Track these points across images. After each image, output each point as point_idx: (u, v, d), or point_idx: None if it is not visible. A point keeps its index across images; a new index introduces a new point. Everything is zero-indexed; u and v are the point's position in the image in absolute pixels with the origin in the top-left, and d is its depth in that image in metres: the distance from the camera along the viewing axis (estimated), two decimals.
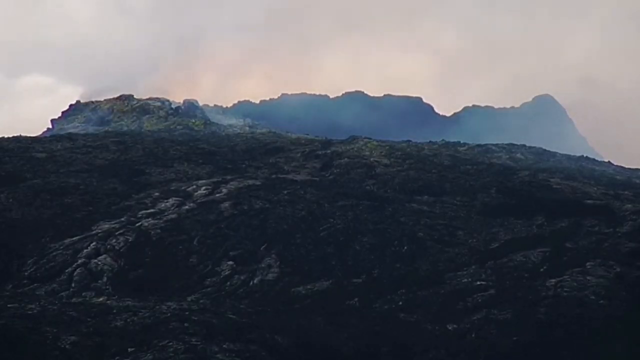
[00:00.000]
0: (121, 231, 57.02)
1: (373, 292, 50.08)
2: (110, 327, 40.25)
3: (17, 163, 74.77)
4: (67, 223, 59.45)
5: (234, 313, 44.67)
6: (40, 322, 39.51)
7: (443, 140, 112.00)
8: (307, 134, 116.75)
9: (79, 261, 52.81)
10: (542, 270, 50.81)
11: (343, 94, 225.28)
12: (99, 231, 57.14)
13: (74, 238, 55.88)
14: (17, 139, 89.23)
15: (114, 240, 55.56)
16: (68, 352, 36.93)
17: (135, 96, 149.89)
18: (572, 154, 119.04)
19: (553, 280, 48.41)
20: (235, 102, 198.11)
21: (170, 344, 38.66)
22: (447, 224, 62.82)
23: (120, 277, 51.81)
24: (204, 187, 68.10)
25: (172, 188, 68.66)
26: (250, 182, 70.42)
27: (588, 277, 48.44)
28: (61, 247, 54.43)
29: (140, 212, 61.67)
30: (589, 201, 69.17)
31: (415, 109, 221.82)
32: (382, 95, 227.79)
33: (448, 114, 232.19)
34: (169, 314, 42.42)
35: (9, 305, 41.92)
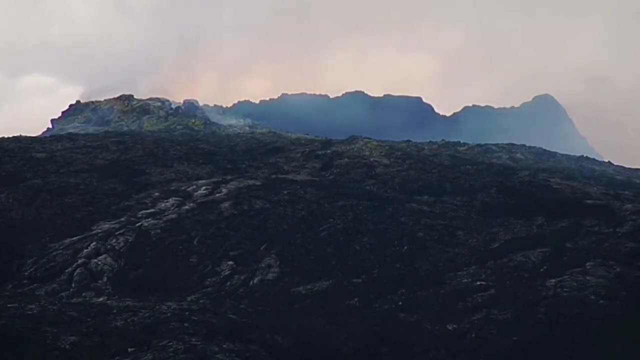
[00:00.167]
0: (121, 231, 57.02)
1: (373, 292, 50.08)
2: (110, 327, 40.25)
3: (17, 163, 74.78)
4: (67, 223, 59.45)
5: (234, 313, 44.67)
6: (40, 322, 39.50)
7: (443, 140, 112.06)
8: (307, 134, 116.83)
9: (79, 261, 52.80)
10: (542, 270, 50.81)
11: (343, 94, 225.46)
12: (99, 231, 57.14)
13: (74, 238, 55.88)
14: (17, 139, 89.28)
15: (114, 240, 55.56)
16: (68, 352, 36.92)
17: (135, 96, 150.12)
18: (572, 154, 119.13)
19: (553, 280, 48.41)
20: (235, 102, 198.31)
21: (170, 344, 38.66)
22: (447, 224, 62.83)
23: (120, 277, 51.80)
24: (204, 187, 68.12)
25: (172, 188, 68.68)
26: (250, 182, 70.43)
27: (588, 277, 48.44)
28: (61, 247, 54.43)
29: (140, 212, 61.68)
30: (589, 201, 69.20)
31: (415, 109, 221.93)
32: (382, 95, 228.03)
33: (448, 114, 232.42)
34: (169, 314, 42.42)
35: (9, 305, 41.91)
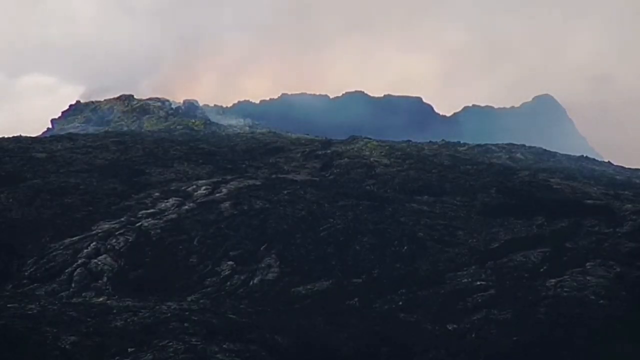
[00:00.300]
0: (121, 231, 57.01)
1: (373, 292, 50.07)
2: (110, 327, 40.24)
3: (17, 163, 74.77)
4: (67, 223, 59.44)
5: (234, 313, 44.66)
6: (40, 322, 39.50)
7: (443, 140, 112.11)
8: (307, 134, 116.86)
9: (79, 261, 52.78)
10: (542, 270, 50.80)
11: (343, 94, 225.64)
12: (99, 231, 57.13)
13: (74, 238, 55.87)
14: (17, 139, 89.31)
15: (114, 240, 55.55)
16: (68, 352, 36.92)
17: (135, 96, 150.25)
18: (572, 154, 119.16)
19: (553, 280, 48.40)
20: (235, 102, 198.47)
21: (170, 344, 38.65)
22: (447, 224, 62.83)
23: (120, 277, 51.79)
24: (204, 187, 68.11)
25: (172, 188, 68.67)
26: (250, 182, 70.43)
27: (588, 277, 48.43)
28: (61, 247, 54.42)
29: (140, 212, 61.67)
30: (589, 201, 69.20)
31: (415, 109, 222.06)
32: (382, 95, 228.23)
33: (448, 114, 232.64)
34: (169, 314, 42.41)
35: (9, 305, 41.91)
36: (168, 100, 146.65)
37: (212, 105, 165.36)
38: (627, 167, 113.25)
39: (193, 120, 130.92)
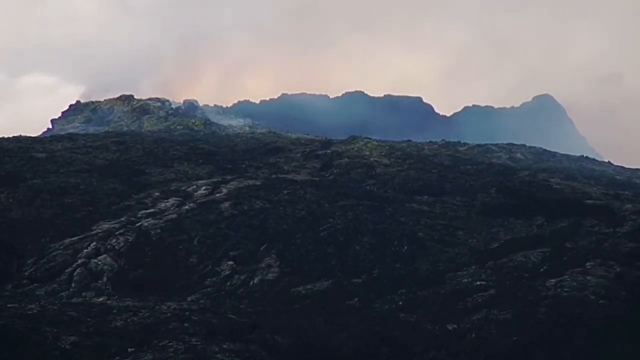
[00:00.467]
0: (121, 231, 57.00)
1: (373, 292, 50.05)
2: (110, 327, 40.23)
3: (17, 163, 74.76)
4: (67, 223, 59.43)
5: (234, 313, 44.65)
6: (40, 322, 39.49)
7: (443, 140, 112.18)
8: (307, 134, 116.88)
9: (79, 261, 52.77)
10: (542, 270, 50.79)
11: (343, 94, 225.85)
12: (99, 231, 57.12)
13: (74, 238, 55.86)
14: (17, 139, 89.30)
15: (114, 240, 55.54)
16: (68, 352, 36.91)
17: (137, 95, 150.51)
18: (572, 154, 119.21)
19: (553, 280, 48.39)
20: (235, 102, 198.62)
21: (170, 344, 38.65)
22: (447, 224, 62.81)
23: (120, 277, 51.78)
24: (204, 187, 68.10)
25: (172, 188, 68.66)
26: (250, 182, 70.42)
27: (588, 277, 48.42)
28: (61, 247, 54.41)
29: (140, 212, 61.66)
30: (589, 201, 69.19)
31: (416, 109, 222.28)
32: (382, 95, 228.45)
33: (448, 114, 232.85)
34: (169, 314, 42.41)
35: (9, 305, 41.90)
36: (168, 100, 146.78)
37: (212, 105, 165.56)
38: (627, 167, 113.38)
39: (193, 120, 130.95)
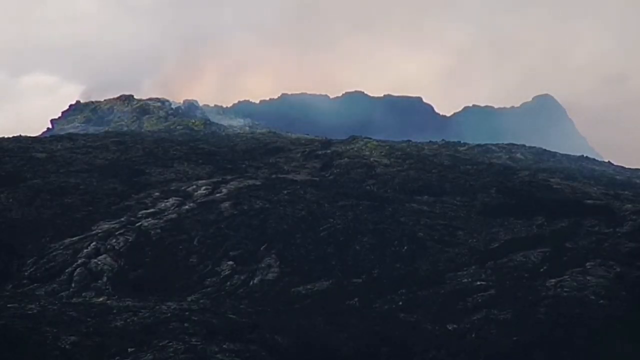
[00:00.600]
0: (121, 231, 57.00)
1: (373, 292, 50.05)
2: (110, 327, 40.24)
3: (17, 163, 74.75)
4: (67, 223, 59.43)
5: (234, 313, 44.65)
6: (40, 322, 39.49)
7: (443, 140, 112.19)
8: (307, 134, 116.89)
9: (79, 261, 52.77)
10: (542, 270, 50.79)
11: (343, 94, 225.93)
12: (99, 231, 57.12)
13: (74, 238, 55.86)
14: (17, 139, 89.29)
15: (114, 240, 55.54)
16: (68, 352, 36.91)
17: (138, 95, 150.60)
18: (572, 154, 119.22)
19: (553, 280, 48.39)
20: (235, 102, 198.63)
21: (170, 344, 38.65)
22: (447, 224, 62.81)
23: (120, 277, 51.78)
24: (204, 187, 68.09)
25: (172, 188, 68.65)
26: (250, 182, 70.41)
27: (588, 277, 48.42)
28: (61, 247, 54.41)
29: (140, 212, 61.66)
30: (589, 201, 69.18)
31: (416, 109, 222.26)
32: (382, 95, 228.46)
33: (448, 114, 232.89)
34: (169, 314, 42.41)
35: (9, 305, 41.91)
36: (168, 100, 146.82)
37: (212, 105, 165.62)
38: (627, 167, 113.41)
39: (193, 120, 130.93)
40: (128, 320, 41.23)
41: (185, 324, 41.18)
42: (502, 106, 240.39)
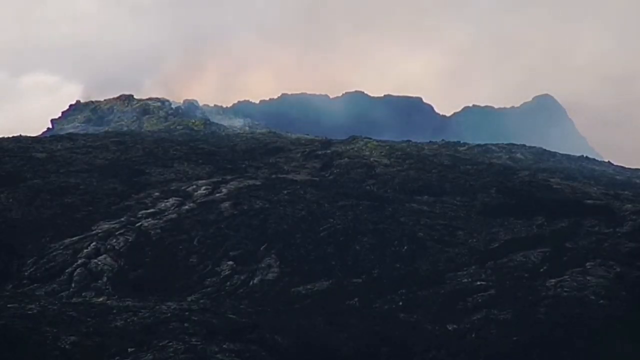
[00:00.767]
0: (121, 231, 57.00)
1: (373, 292, 50.06)
2: (110, 327, 40.24)
3: (17, 163, 74.74)
4: (67, 223, 59.43)
5: (234, 313, 44.65)
6: (40, 322, 39.49)
7: (443, 140, 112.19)
8: (307, 134, 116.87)
9: (79, 261, 52.78)
10: (542, 270, 50.80)
11: (343, 94, 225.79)
12: (99, 231, 57.12)
13: (74, 238, 55.86)
14: (17, 139, 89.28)
15: (114, 240, 55.54)
16: (68, 352, 36.91)
17: (138, 95, 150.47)
18: (572, 154, 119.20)
19: (553, 280, 48.40)
20: (235, 102, 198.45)
21: (170, 344, 38.65)
22: (447, 224, 62.80)
23: (120, 277, 51.78)
24: (204, 187, 68.09)
25: (172, 188, 68.65)
26: (250, 182, 70.41)
27: (588, 277, 48.43)
28: (61, 247, 54.41)
29: (140, 212, 61.66)
30: (589, 201, 69.18)
31: (416, 109, 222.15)
32: (382, 95, 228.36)
33: (448, 114, 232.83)
34: (169, 314, 42.41)
35: (9, 305, 41.88)
36: (168, 100, 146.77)
37: (212, 105, 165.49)
38: (627, 167, 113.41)
39: (193, 120, 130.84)
40: (128, 320, 41.23)
41: (185, 324, 41.18)
42: (502, 106, 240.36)
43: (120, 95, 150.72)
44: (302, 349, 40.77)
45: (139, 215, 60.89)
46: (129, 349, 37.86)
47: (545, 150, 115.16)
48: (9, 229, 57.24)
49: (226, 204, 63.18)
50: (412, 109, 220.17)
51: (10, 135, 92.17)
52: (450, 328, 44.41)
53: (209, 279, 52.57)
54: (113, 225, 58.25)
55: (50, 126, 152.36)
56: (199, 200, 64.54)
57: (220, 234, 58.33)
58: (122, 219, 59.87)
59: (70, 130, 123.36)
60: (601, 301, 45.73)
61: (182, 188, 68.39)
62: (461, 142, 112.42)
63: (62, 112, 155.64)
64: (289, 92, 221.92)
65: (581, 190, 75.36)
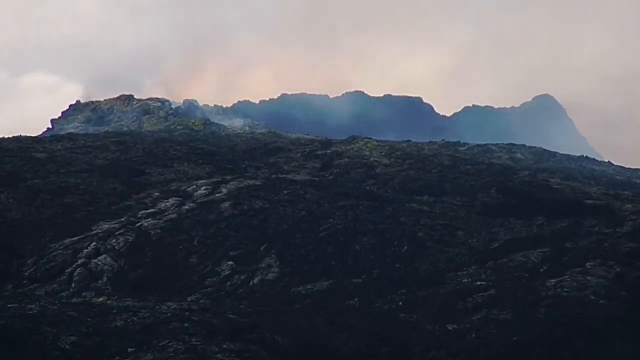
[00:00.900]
0: (121, 231, 57.01)
1: (373, 292, 50.06)
2: (110, 327, 40.25)
3: (17, 163, 74.74)
4: (67, 223, 59.43)
5: (234, 313, 44.66)
6: (40, 322, 39.50)
7: (443, 140, 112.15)
8: (307, 134, 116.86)
9: (79, 261, 52.79)
10: (542, 270, 50.80)
11: (343, 94, 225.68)
12: (99, 231, 57.12)
13: (74, 238, 55.86)
14: (17, 139, 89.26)
15: (114, 240, 55.55)
16: (68, 352, 36.92)
17: (138, 95, 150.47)
18: (572, 154, 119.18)
19: (553, 280, 48.40)
20: (235, 102, 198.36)
21: (170, 344, 38.65)
22: (447, 224, 62.80)
23: (120, 277, 51.79)
24: (204, 187, 68.09)
25: (172, 188, 68.65)
26: (250, 182, 70.41)
27: (588, 277, 48.44)
28: (61, 247, 54.42)
29: (140, 212, 61.66)
30: (589, 201, 69.18)
31: (416, 109, 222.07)
32: (382, 95, 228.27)
33: (448, 114, 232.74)
34: (169, 314, 42.41)
35: (9, 305, 41.89)
36: (168, 100, 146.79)
37: (212, 105, 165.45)
38: (627, 167, 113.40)
39: (193, 120, 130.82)
40: (128, 320, 41.24)
41: (185, 324, 41.19)
42: (502, 106, 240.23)
43: (120, 96, 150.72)
44: (302, 349, 40.78)
45: (139, 215, 60.89)
46: (129, 349, 37.88)
47: (545, 150, 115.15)
48: (9, 229, 57.24)
49: (226, 204, 63.18)
50: (412, 109, 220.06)
51: (10, 135, 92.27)
52: (450, 328, 44.42)
53: (209, 279, 52.58)
54: (113, 225, 58.26)
55: (50, 126, 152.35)
56: (199, 200, 64.54)
57: (220, 234, 58.33)
58: (122, 219, 59.87)
59: (70, 130, 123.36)
60: (601, 301, 45.73)
61: (182, 188, 68.40)
62: (461, 142, 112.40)
63: (62, 112, 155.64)
64: (289, 92, 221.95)
65: (581, 190, 75.37)
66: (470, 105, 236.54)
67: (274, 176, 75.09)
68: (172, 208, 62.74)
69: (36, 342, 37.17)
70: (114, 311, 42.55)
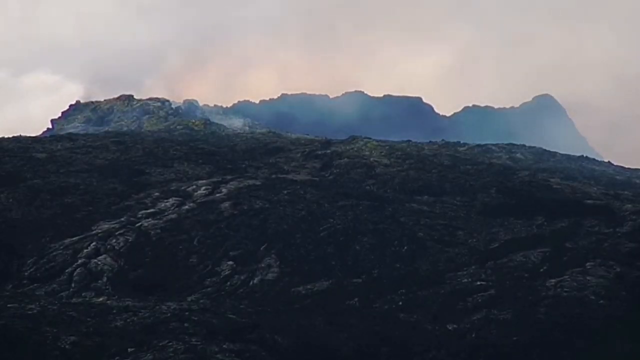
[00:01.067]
0: (121, 231, 57.00)
1: (373, 292, 50.06)
2: (110, 327, 40.26)
3: (17, 163, 74.73)
4: (67, 223, 59.43)
5: (234, 313, 44.66)
6: (40, 322, 39.50)
7: (443, 140, 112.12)
8: (307, 134, 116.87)
9: (79, 261, 52.78)
10: (542, 270, 50.80)
11: (343, 94, 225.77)
12: (99, 231, 57.12)
13: (74, 238, 55.86)
14: (17, 139, 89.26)
15: (114, 240, 55.54)
16: (68, 352, 36.93)
17: (136, 95, 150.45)
18: (572, 154, 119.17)
19: (553, 280, 48.40)
20: (235, 102, 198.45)
21: (170, 344, 38.65)
22: (447, 224, 62.80)
23: (120, 277, 51.79)
24: (204, 187, 68.08)
25: (172, 188, 68.64)
26: (250, 182, 70.40)
27: (588, 277, 48.43)
28: (61, 247, 54.42)
29: (140, 212, 61.65)
30: (589, 201, 69.18)
31: (415, 109, 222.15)
32: (382, 95, 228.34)
33: (448, 114, 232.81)
34: (169, 314, 42.41)
35: (9, 305, 41.90)
36: (168, 100, 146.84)
37: (212, 105, 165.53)
38: (627, 167, 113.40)
39: (193, 120, 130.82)
40: (128, 320, 41.24)
41: (185, 324, 41.19)
42: (502, 106, 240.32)
43: (121, 96, 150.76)
44: (302, 349, 40.78)
45: (139, 215, 60.89)
46: (129, 349, 37.88)
47: (545, 150, 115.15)
48: (9, 229, 57.24)
49: (226, 204, 63.17)
50: (412, 109, 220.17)
51: (10, 135, 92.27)
52: (450, 328, 44.42)
53: (209, 279, 52.58)
54: (113, 225, 58.25)
55: (50, 126, 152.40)
56: (199, 200, 64.54)
57: (220, 234, 58.34)
58: (122, 219, 59.87)
59: (70, 130, 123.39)
60: (601, 301, 45.73)
61: (182, 188, 68.39)
62: (461, 142, 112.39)
63: (62, 112, 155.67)
64: (289, 92, 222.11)
65: (581, 190, 75.37)
66: (470, 105, 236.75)
67: (274, 176, 75.09)
68: (172, 208, 62.74)
69: (36, 342, 37.18)
70: (114, 311, 42.56)
